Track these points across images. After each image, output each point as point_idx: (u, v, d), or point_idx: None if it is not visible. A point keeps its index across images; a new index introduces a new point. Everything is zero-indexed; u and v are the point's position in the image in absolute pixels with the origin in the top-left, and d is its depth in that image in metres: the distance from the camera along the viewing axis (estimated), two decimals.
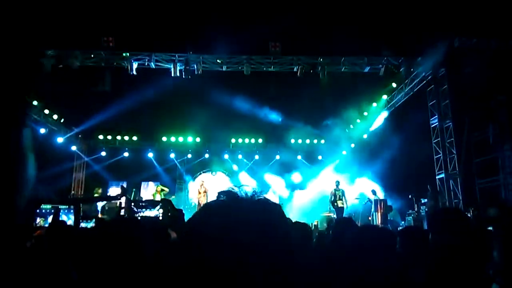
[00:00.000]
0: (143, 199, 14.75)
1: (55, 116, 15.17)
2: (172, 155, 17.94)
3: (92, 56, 12.17)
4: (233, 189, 0.81)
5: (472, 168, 11.85)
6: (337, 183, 13.21)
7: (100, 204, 12.57)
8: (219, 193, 0.80)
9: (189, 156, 18.13)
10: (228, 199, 0.79)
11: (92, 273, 1.19)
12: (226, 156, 18.20)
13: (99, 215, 11.52)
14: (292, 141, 18.30)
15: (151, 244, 1.31)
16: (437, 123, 12.90)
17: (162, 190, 14.57)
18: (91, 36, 11.84)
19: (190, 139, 17.83)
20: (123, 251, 1.13)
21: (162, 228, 1.54)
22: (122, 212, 13.49)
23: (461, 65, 11.80)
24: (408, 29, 11.77)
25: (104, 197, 15.20)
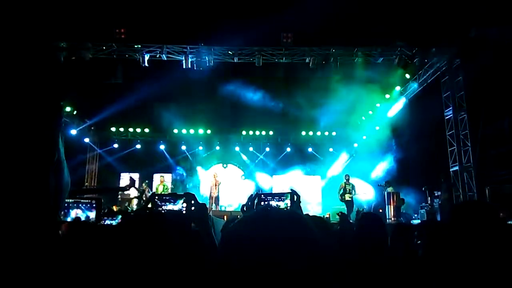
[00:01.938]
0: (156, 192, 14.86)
1: (68, 108, 15.30)
2: (184, 147, 18.01)
3: (104, 48, 12.20)
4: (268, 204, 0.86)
5: (487, 161, 11.66)
6: (347, 177, 13.22)
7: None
8: (258, 208, 0.86)
9: (200, 148, 18.18)
10: (265, 211, 0.83)
11: (119, 270, 1.18)
12: (237, 148, 18.21)
13: (114, 207, 11.67)
14: (303, 133, 18.22)
15: (178, 239, 1.29)
16: (451, 115, 12.71)
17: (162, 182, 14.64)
18: (103, 28, 11.85)
19: (201, 131, 17.86)
20: (154, 247, 1.12)
21: (187, 222, 1.53)
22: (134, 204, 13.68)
23: (477, 55, 11.55)
24: (422, 18, 11.55)
25: (113, 188, 15.35)
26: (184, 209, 1.83)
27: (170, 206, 2.41)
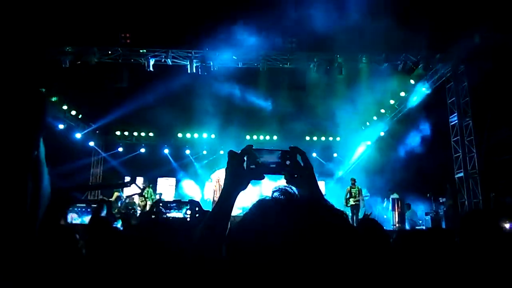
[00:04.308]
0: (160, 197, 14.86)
1: (73, 112, 15.39)
2: (188, 152, 18.03)
3: (110, 52, 12.27)
4: (289, 188, 0.77)
5: (492, 168, 11.59)
6: (353, 180, 13.11)
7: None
8: (274, 191, 0.77)
9: (204, 152, 18.19)
10: (284, 198, 0.75)
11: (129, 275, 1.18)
12: None
13: (121, 210, 11.66)
14: (307, 138, 18.19)
15: (183, 247, 1.29)
16: (456, 121, 12.65)
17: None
18: (109, 32, 11.93)
19: (205, 135, 17.88)
20: (161, 255, 1.12)
21: (191, 230, 1.52)
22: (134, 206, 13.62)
23: (481, 62, 11.51)
24: (427, 25, 11.53)
25: (115, 184, 15.34)
26: (188, 216, 1.82)
27: (174, 213, 2.40)
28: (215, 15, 11.50)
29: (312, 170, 1.33)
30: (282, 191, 0.77)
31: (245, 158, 1.31)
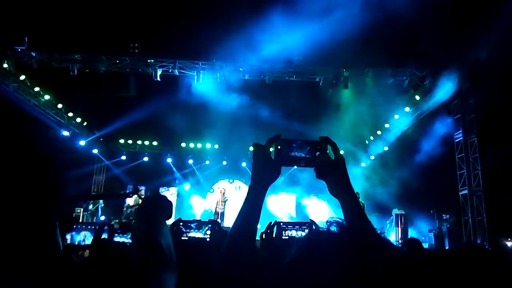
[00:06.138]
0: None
1: (78, 119, 15.43)
2: (191, 161, 18.01)
3: (118, 61, 12.35)
4: (343, 222, 0.77)
5: (498, 186, 11.52)
6: (358, 195, 13.05)
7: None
8: (329, 222, 0.77)
9: (207, 162, 18.17)
10: (341, 232, 0.75)
11: None
12: (243, 164, 18.16)
13: (123, 220, 11.61)
14: None
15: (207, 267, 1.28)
16: (461, 138, 12.62)
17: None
18: (118, 42, 12.04)
19: (208, 145, 17.87)
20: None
21: (211, 251, 1.52)
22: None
23: (488, 79, 11.52)
24: (433, 41, 11.58)
25: (116, 194, 15.29)
26: (208, 237, 1.81)
27: (194, 233, 2.38)
28: (223, 27, 11.59)
29: (344, 163, 1.28)
30: (337, 224, 0.78)
31: (272, 149, 1.27)
